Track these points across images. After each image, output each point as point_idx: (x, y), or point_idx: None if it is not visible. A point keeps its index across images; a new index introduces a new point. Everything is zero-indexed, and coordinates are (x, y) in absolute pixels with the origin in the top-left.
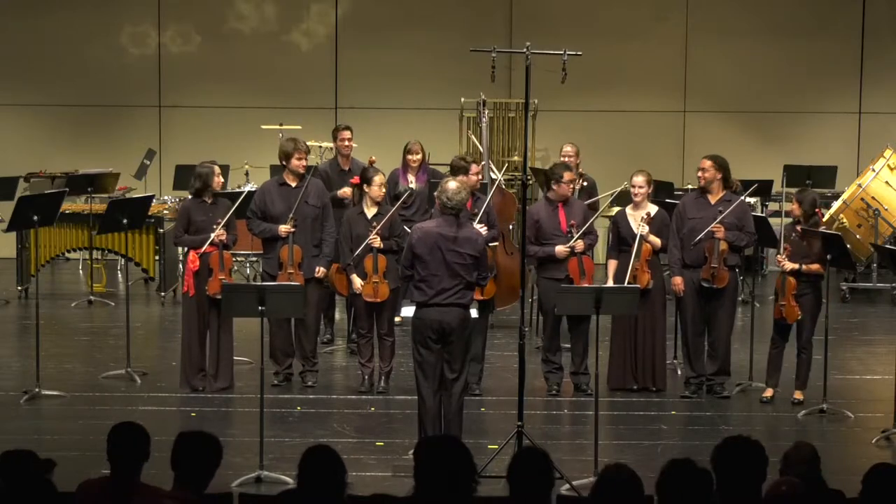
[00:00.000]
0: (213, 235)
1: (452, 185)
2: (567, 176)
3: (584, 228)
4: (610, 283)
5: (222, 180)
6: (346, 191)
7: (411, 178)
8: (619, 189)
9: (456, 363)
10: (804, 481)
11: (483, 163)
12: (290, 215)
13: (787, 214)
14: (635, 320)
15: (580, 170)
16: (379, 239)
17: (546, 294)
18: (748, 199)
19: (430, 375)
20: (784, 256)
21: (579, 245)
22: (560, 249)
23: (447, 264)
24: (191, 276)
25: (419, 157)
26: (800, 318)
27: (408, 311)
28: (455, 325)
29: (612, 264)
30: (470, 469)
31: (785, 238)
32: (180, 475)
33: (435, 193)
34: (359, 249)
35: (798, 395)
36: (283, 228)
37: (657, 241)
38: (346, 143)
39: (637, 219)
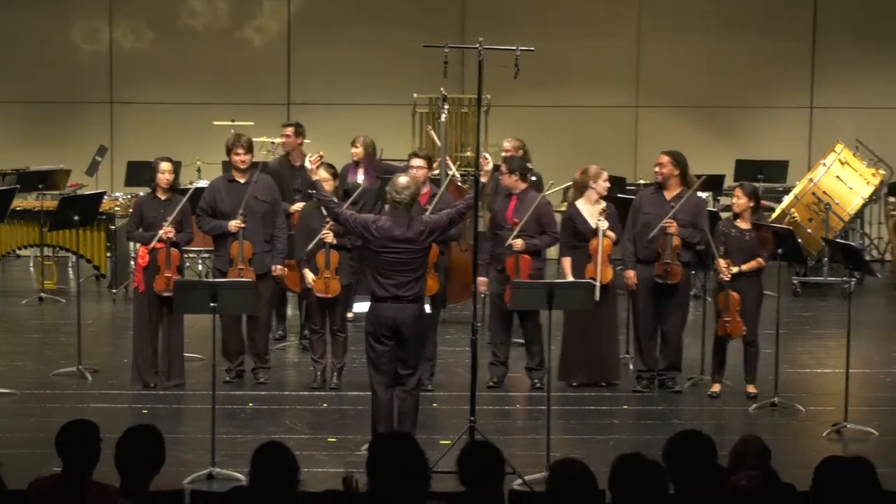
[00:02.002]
0: (160, 232)
1: (402, 179)
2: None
3: (521, 224)
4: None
5: (169, 178)
6: (296, 207)
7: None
8: (551, 188)
9: (410, 359)
10: (764, 474)
11: (440, 158)
12: (240, 211)
13: (728, 209)
14: (588, 315)
15: (528, 164)
16: (332, 234)
17: (489, 283)
18: (700, 194)
19: (384, 371)
20: (727, 272)
21: (516, 244)
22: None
23: (399, 260)
24: (140, 271)
25: (357, 150)
26: (745, 333)
27: (360, 307)
28: (409, 322)
29: (567, 261)
30: (423, 466)
31: (722, 235)
32: (126, 472)
33: (387, 188)
34: (311, 244)
35: (751, 389)
36: (233, 224)
37: (613, 235)
38: (286, 139)
39: (594, 214)
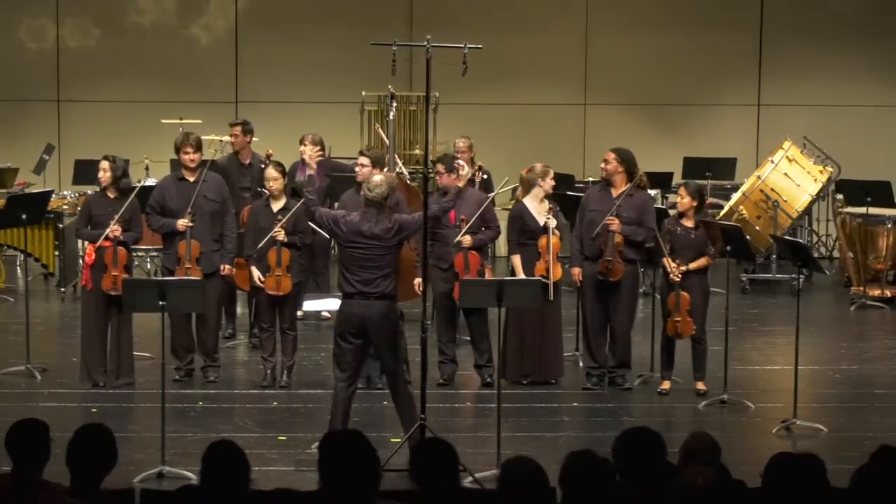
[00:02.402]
0: (107, 231)
1: (376, 177)
2: (439, 167)
3: (470, 222)
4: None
5: (103, 175)
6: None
7: (310, 171)
8: (507, 185)
9: (387, 359)
10: (718, 471)
11: (388, 156)
12: (188, 210)
13: (673, 207)
14: (531, 314)
15: (479, 163)
16: (283, 232)
17: (433, 283)
18: (650, 192)
19: (346, 369)
20: (677, 273)
21: (466, 241)
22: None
23: (365, 256)
24: (87, 269)
25: (305, 149)
26: (694, 332)
27: (310, 305)
28: (377, 318)
29: (517, 259)
30: (374, 464)
31: (668, 233)
32: (76, 471)
33: (363, 185)
34: (262, 242)
35: (701, 386)
36: (181, 223)
37: (558, 232)
38: (234, 138)
39: (542, 211)
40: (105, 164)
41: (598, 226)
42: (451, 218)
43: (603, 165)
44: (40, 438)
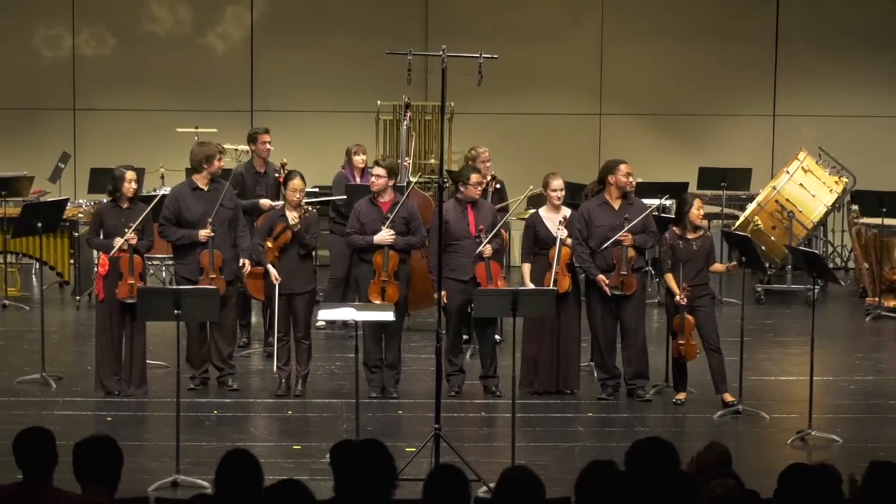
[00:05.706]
0: (122, 239)
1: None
2: (474, 178)
3: (493, 233)
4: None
5: (134, 187)
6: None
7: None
8: (528, 192)
9: None
10: (736, 481)
11: (400, 162)
12: (210, 220)
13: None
14: (550, 324)
15: (493, 172)
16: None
17: (449, 295)
18: (665, 202)
19: None
20: (682, 296)
21: (487, 250)
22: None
23: None
24: (101, 280)
25: (364, 157)
26: (698, 354)
27: (326, 314)
28: None
29: (527, 268)
30: (391, 473)
31: (670, 248)
32: (86, 481)
33: None
34: (278, 232)
35: (729, 398)
36: (204, 234)
37: (570, 241)
38: (266, 146)
39: (554, 222)
40: (134, 175)
41: (609, 241)
42: (472, 230)
43: (630, 179)
44: (46, 447)
